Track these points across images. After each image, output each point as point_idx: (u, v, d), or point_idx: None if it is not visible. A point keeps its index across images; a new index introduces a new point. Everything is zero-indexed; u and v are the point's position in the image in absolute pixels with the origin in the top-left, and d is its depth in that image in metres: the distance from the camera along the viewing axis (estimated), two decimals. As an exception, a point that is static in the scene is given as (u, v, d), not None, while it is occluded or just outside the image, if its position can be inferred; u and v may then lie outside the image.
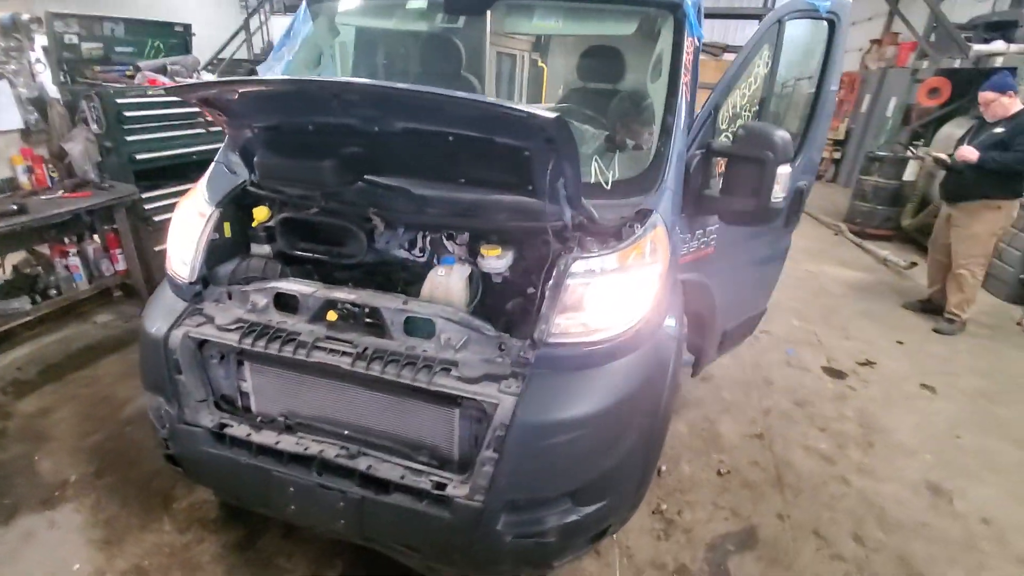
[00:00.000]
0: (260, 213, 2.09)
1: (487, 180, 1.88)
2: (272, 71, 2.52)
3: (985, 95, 4.27)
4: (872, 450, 3.09)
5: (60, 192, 3.45)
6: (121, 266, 3.88)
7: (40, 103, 3.50)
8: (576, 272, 1.68)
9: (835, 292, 5.48)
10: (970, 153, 4.16)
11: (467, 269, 1.90)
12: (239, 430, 1.85)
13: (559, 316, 1.66)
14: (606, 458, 1.70)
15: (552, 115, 1.40)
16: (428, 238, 2.15)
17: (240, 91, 1.71)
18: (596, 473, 1.69)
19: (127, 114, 3.59)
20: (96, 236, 3.85)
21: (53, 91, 3.55)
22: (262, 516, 2.31)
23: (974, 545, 2.48)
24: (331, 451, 1.76)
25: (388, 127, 1.74)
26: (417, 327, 1.77)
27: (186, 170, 4.20)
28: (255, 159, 1.99)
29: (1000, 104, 4.23)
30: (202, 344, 1.90)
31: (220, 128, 2.24)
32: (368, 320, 1.82)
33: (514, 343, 1.70)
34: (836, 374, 3.89)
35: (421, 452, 1.77)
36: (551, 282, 1.68)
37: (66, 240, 3.63)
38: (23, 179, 3.49)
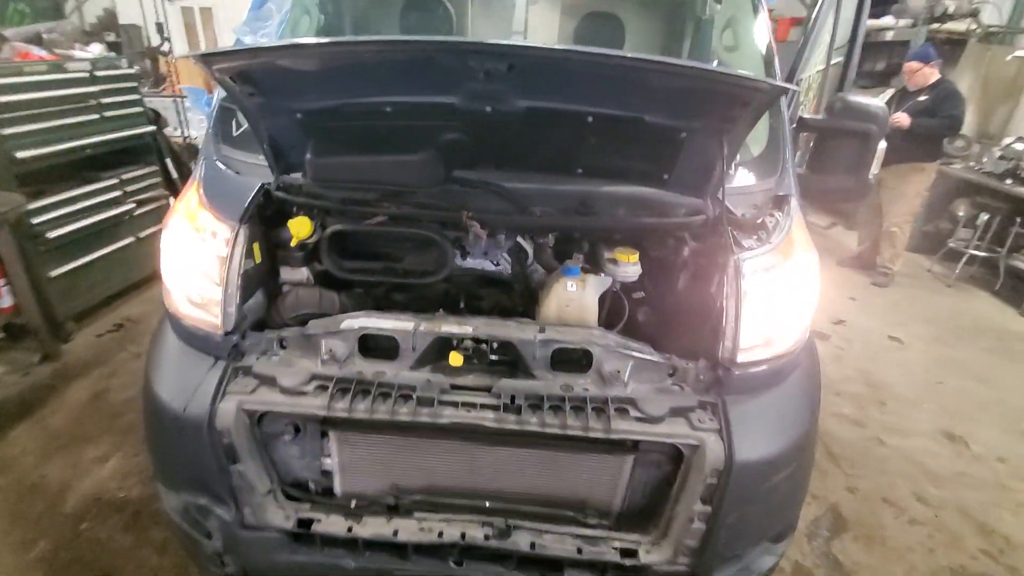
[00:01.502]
0: (301, 227, 1.56)
1: (614, 170, 1.55)
2: (263, 33, 1.91)
3: (910, 65, 4.64)
4: (886, 408, 3.25)
5: (-96, 210, 2.46)
6: (6, 302, 2.91)
7: None
8: (748, 273, 1.42)
9: (780, 256, 5.80)
10: (904, 119, 4.50)
11: (605, 281, 1.56)
12: (333, 524, 1.38)
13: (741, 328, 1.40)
14: (805, 486, 1.50)
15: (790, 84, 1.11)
16: (509, 247, 1.76)
17: (311, 57, 1.20)
18: (799, 505, 1.49)
19: (1, 100, 2.63)
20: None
21: None
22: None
23: (1004, 485, 2.69)
24: (474, 531, 1.36)
25: (507, 106, 1.33)
26: (562, 360, 1.41)
27: (76, 170, 3.28)
28: (308, 155, 1.46)
29: (922, 74, 4.62)
30: (261, 417, 1.37)
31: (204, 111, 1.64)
32: (493, 357, 1.43)
33: (688, 366, 1.41)
34: (820, 335, 4.07)
35: (586, 513, 1.43)
36: (726, 289, 1.41)
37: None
38: None
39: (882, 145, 1.96)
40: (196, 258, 1.47)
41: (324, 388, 1.34)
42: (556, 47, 1.06)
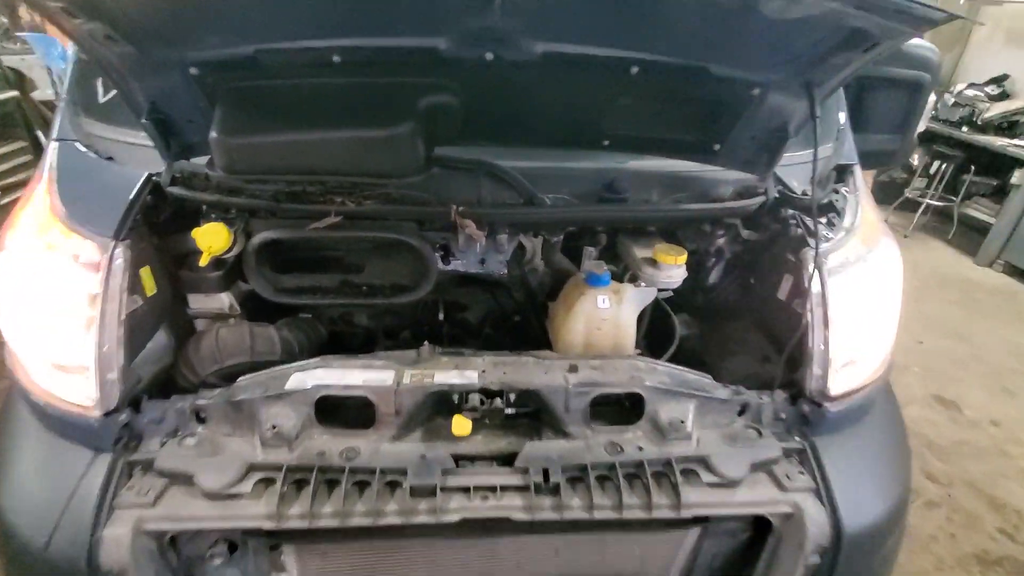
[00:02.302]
0: (213, 237, 1.07)
1: (650, 140, 1.16)
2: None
3: None
4: (876, 374, 3.14)
5: None
6: None
7: None
8: (832, 272, 1.09)
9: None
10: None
11: (645, 293, 1.18)
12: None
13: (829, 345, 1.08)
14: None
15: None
16: (513, 249, 1.34)
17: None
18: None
19: None
20: None
21: None
22: None
23: (1004, 451, 2.63)
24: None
25: (517, 52, 0.90)
26: (599, 403, 1.04)
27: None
28: (214, 133, 0.96)
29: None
30: (174, 538, 0.93)
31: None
32: (510, 412, 1.04)
33: (763, 401, 1.08)
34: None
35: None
36: (810, 298, 1.07)
37: None
38: None
39: (932, 98, 1.66)
40: (52, 297, 0.96)
41: (269, 483, 0.91)
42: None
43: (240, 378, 1.01)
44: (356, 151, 0.99)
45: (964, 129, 4.94)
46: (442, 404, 1.01)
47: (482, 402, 0.99)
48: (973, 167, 4.96)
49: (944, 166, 5.07)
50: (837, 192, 1.27)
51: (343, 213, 1.07)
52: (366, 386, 0.97)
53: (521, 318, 1.47)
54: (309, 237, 1.10)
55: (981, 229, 4.83)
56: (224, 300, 1.17)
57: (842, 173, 1.32)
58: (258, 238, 1.09)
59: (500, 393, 1.00)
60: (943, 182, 5.13)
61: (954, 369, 3.23)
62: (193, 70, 0.92)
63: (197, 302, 1.17)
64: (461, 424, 0.95)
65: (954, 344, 3.50)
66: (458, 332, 1.45)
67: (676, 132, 1.13)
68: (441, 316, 1.48)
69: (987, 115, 4.83)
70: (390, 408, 0.97)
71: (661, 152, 1.18)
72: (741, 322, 1.31)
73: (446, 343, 1.46)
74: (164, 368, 1.13)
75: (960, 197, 5.05)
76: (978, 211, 5.04)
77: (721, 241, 1.32)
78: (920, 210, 5.17)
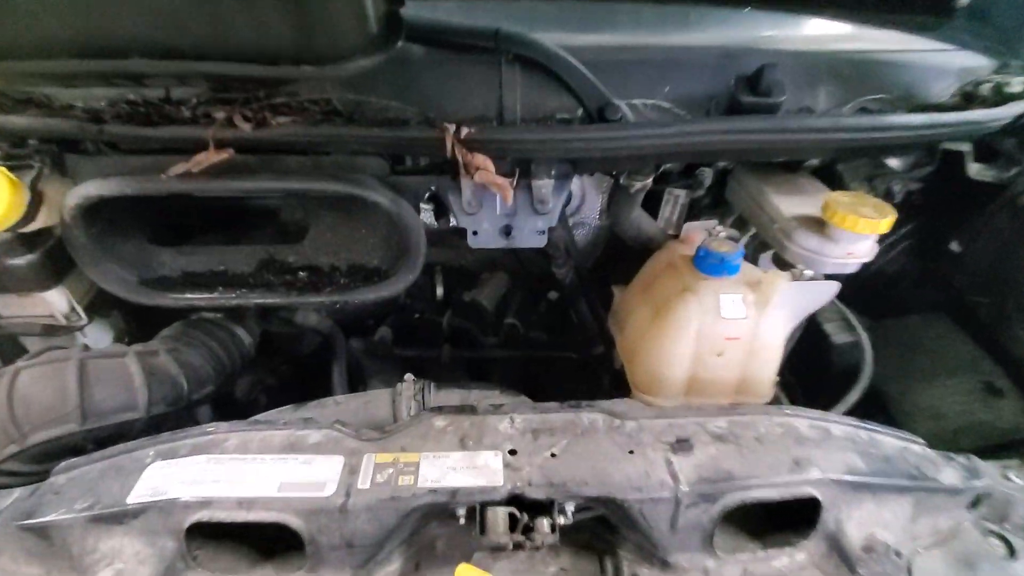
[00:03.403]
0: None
1: None
2: None
3: None
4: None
5: None
6: None
7: None
8: None
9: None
10: None
11: (816, 289, 0.65)
12: None
13: None
14: None
15: None
16: (561, 207, 0.80)
17: None
18: None
19: None
20: None
21: None
22: None
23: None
24: None
25: None
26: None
27: None
28: None
29: None
30: None
31: None
32: (562, 521, 0.55)
33: (1013, 484, 0.61)
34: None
35: None
36: None
37: None
38: None
39: None
40: None
41: None
42: None
43: (57, 468, 0.54)
44: (230, 15, 0.43)
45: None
46: (437, 511, 0.54)
47: (514, 522, 0.51)
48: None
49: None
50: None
51: (233, 144, 0.54)
52: (283, 499, 0.49)
53: (562, 299, 0.97)
54: (173, 191, 0.57)
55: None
56: (56, 302, 0.66)
57: None
58: (75, 195, 0.57)
59: (548, 505, 0.51)
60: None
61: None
62: None
63: (8, 307, 0.67)
64: (473, 582, 0.48)
65: None
66: (464, 324, 0.95)
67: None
68: (440, 292, 0.99)
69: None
70: (334, 538, 0.50)
71: (851, 9, 0.61)
72: (928, 316, 0.80)
73: (445, 345, 0.97)
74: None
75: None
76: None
77: (894, 176, 0.78)
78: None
